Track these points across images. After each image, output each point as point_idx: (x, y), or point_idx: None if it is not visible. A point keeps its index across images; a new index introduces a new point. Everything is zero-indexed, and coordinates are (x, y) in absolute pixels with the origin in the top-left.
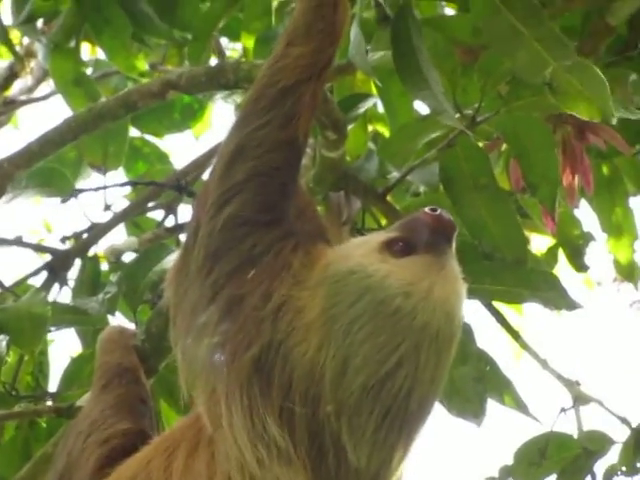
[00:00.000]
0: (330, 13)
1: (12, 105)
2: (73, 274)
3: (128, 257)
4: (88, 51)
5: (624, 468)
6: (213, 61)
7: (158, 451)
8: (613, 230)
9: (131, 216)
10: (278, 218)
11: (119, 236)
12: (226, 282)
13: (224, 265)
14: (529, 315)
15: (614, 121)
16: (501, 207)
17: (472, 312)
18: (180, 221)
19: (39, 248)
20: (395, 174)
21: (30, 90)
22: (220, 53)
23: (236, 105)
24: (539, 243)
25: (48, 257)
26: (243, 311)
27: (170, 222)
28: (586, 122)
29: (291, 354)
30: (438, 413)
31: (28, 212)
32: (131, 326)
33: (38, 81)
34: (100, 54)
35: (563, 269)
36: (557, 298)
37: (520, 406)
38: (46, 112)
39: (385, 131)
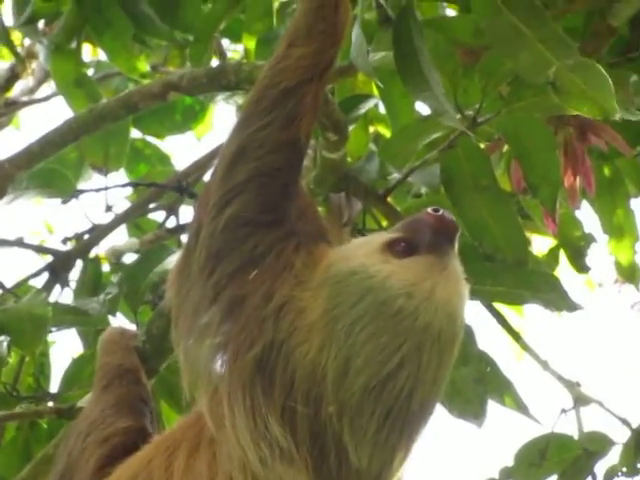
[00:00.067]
0: (331, 14)
1: (13, 106)
2: (74, 275)
3: (129, 258)
4: (89, 52)
5: (625, 469)
6: (214, 62)
7: (159, 450)
8: (614, 231)
9: (132, 217)
10: (280, 219)
11: (120, 237)
12: (228, 282)
13: (226, 266)
14: (530, 316)
15: (617, 118)
16: (502, 208)
17: (473, 313)
18: (181, 222)
19: (40, 249)
20: (396, 175)
21: (31, 91)
22: (221, 54)
23: (237, 106)
24: (540, 244)
25: (49, 258)
26: (245, 311)
27: (171, 223)
28: (587, 123)
29: (293, 354)
30: (439, 414)
31: (30, 213)
32: (132, 327)
33: (39, 82)
34: (101, 55)
35: (564, 270)
36: (558, 299)
37: (521, 407)
38: (47, 113)
39: (386, 132)
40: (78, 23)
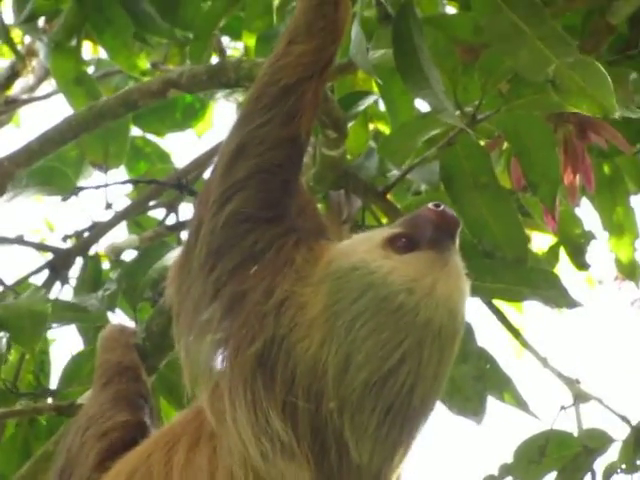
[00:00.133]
0: (331, 11)
1: (14, 104)
2: (74, 273)
3: (129, 256)
4: (90, 50)
5: (624, 466)
6: (214, 60)
7: (158, 445)
8: (614, 229)
9: (132, 215)
10: (280, 215)
11: (120, 235)
12: (228, 279)
13: (226, 262)
14: (530, 314)
15: (617, 116)
16: (502, 206)
17: (473, 310)
18: (181, 220)
19: (41, 247)
20: (395, 172)
21: (31, 89)
22: (221, 52)
23: (237, 104)
24: (540, 242)
25: (50, 256)
26: (246, 307)
27: (171, 221)
28: (587, 121)
29: (294, 350)
30: (438, 411)
31: (30, 211)
32: (131, 324)
33: (39, 80)
34: (102, 53)
35: (564, 268)
36: (557, 296)
37: (520, 404)
38: (48, 111)
39: (386, 130)
40: (78, 21)
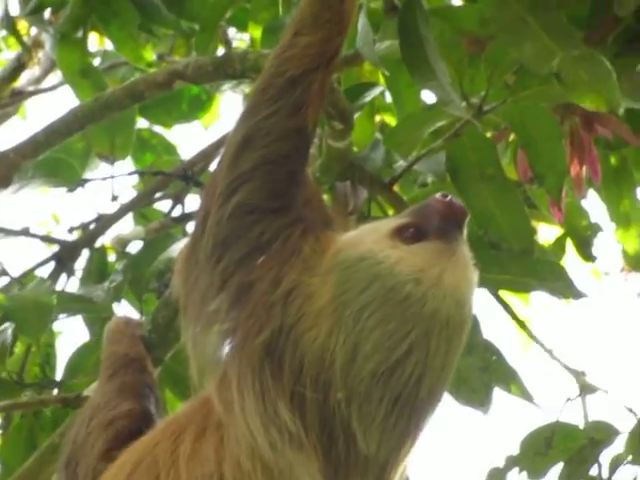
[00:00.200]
0: (337, 3)
1: (20, 96)
2: (80, 265)
3: (135, 248)
4: (96, 42)
5: (630, 458)
6: (220, 52)
7: (164, 435)
8: (621, 220)
9: (138, 207)
10: (286, 205)
11: (126, 227)
12: (235, 270)
13: (233, 253)
14: (536, 305)
15: (621, 111)
16: (508, 197)
17: (479, 302)
18: (187, 211)
19: (46, 239)
20: (401, 163)
21: (38, 81)
22: (227, 43)
23: (244, 95)
24: (547, 233)
25: (56, 248)
26: (253, 297)
27: (177, 213)
28: (594, 113)
29: (301, 340)
30: (445, 402)
31: (36, 203)
32: (136, 316)
33: (46, 72)
34: (108, 45)
35: (571, 259)
36: (564, 288)
37: (526, 396)
38: (54, 103)
39: (392, 122)
40: (84, 12)
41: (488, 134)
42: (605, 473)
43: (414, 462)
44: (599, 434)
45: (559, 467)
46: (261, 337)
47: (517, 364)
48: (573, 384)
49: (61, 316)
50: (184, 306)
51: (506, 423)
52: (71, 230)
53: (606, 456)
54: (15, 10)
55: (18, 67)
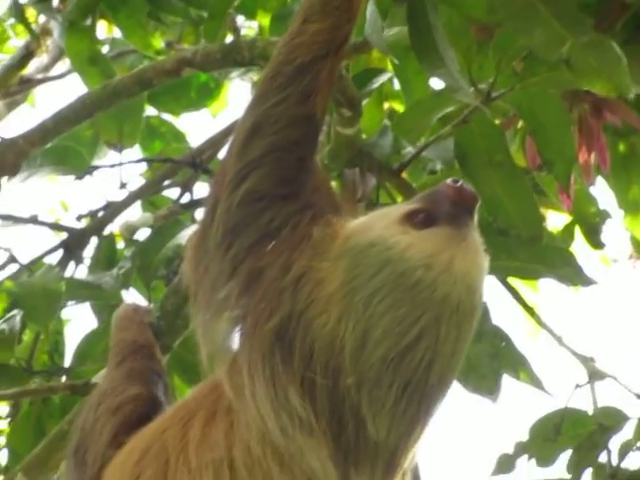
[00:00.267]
0: None
1: (28, 84)
2: (89, 253)
3: (143, 235)
4: (104, 29)
5: (639, 444)
6: (229, 39)
7: (173, 420)
8: (629, 207)
9: (147, 194)
10: (296, 192)
11: (135, 215)
12: (245, 256)
13: (243, 240)
14: (545, 292)
15: (631, 97)
16: (517, 184)
17: (488, 289)
18: (195, 198)
19: (55, 227)
20: (410, 150)
21: (46, 69)
22: (236, 31)
23: (252, 83)
24: (556, 221)
25: (64, 236)
26: (263, 283)
27: (186, 200)
28: (603, 100)
29: (311, 325)
30: (454, 389)
31: (45, 191)
32: (145, 303)
33: (54, 60)
34: (116, 33)
35: (579, 246)
36: (572, 274)
37: (535, 382)
38: (62, 91)
39: (401, 109)
40: (93, 0)
41: (497, 121)
42: (615, 459)
43: (423, 448)
44: (608, 420)
45: (568, 453)
46: (271, 323)
47: (526, 351)
48: (582, 370)
49: (69, 303)
50: (194, 294)
51: (515, 409)
52: (79, 218)
53: (615, 442)
54: None
55: (26, 55)
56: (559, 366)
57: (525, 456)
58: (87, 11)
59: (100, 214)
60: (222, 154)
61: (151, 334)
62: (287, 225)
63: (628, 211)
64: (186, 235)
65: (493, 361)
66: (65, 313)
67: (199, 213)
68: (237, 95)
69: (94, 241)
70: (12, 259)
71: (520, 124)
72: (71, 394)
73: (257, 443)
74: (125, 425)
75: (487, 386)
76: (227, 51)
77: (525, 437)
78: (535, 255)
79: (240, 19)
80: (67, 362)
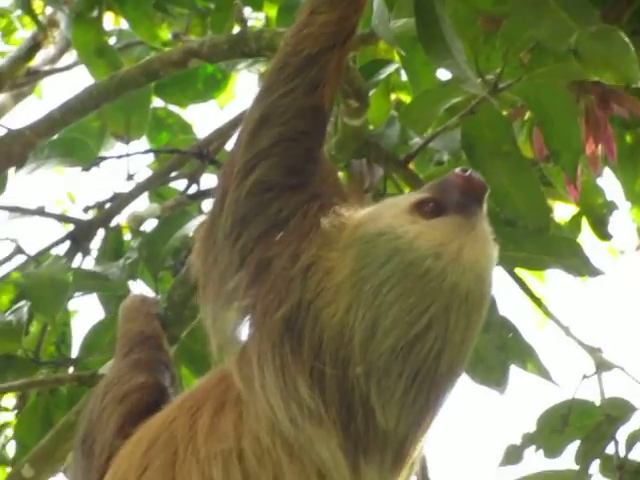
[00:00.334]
0: None
1: (35, 75)
2: (96, 244)
3: (150, 225)
4: (111, 21)
5: None
6: (236, 31)
7: (182, 410)
8: (636, 199)
9: (154, 186)
10: (304, 182)
11: (142, 206)
12: (254, 247)
13: (252, 230)
14: (552, 283)
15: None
16: (524, 175)
17: (495, 279)
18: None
19: (62, 218)
20: (417, 140)
21: (53, 60)
22: (243, 22)
23: (259, 74)
24: (563, 212)
25: (71, 227)
26: (272, 273)
27: (193, 192)
28: (609, 91)
29: (321, 315)
30: (462, 380)
31: (52, 182)
32: (152, 294)
33: (61, 51)
34: (123, 24)
35: (586, 238)
36: (579, 265)
37: (543, 373)
38: (69, 82)
39: (408, 100)
40: None
41: (504, 112)
42: (622, 450)
43: (432, 439)
44: (615, 411)
45: (576, 444)
46: (280, 312)
47: (533, 342)
48: (589, 361)
49: (77, 295)
50: (203, 285)
51: (522, 400)
52: (86, 209)
53: (623, 433)
54: None
55: (33, 46)
56: (566, 357)
57: (532, 447)
58: (94, 3)
59: (107, 205)
60: (229, 145)
61: (158, 325)
62: (296, 215)
63: (635, 202)
64: (193, 226)
65: (500, 353)
66: (72, 304)
67: (206, 204)
68: (244, 86)
69: (101, 232)
70: (19, 250)
71: (527, 115)
72: (78, 385)
73: (266, 433)
74: (132, 414)
75: (495, 378)
76: (234, 42)
77: (532, 428)
78: (542, 246)
79: (247, 10)
80: (74, 353)
